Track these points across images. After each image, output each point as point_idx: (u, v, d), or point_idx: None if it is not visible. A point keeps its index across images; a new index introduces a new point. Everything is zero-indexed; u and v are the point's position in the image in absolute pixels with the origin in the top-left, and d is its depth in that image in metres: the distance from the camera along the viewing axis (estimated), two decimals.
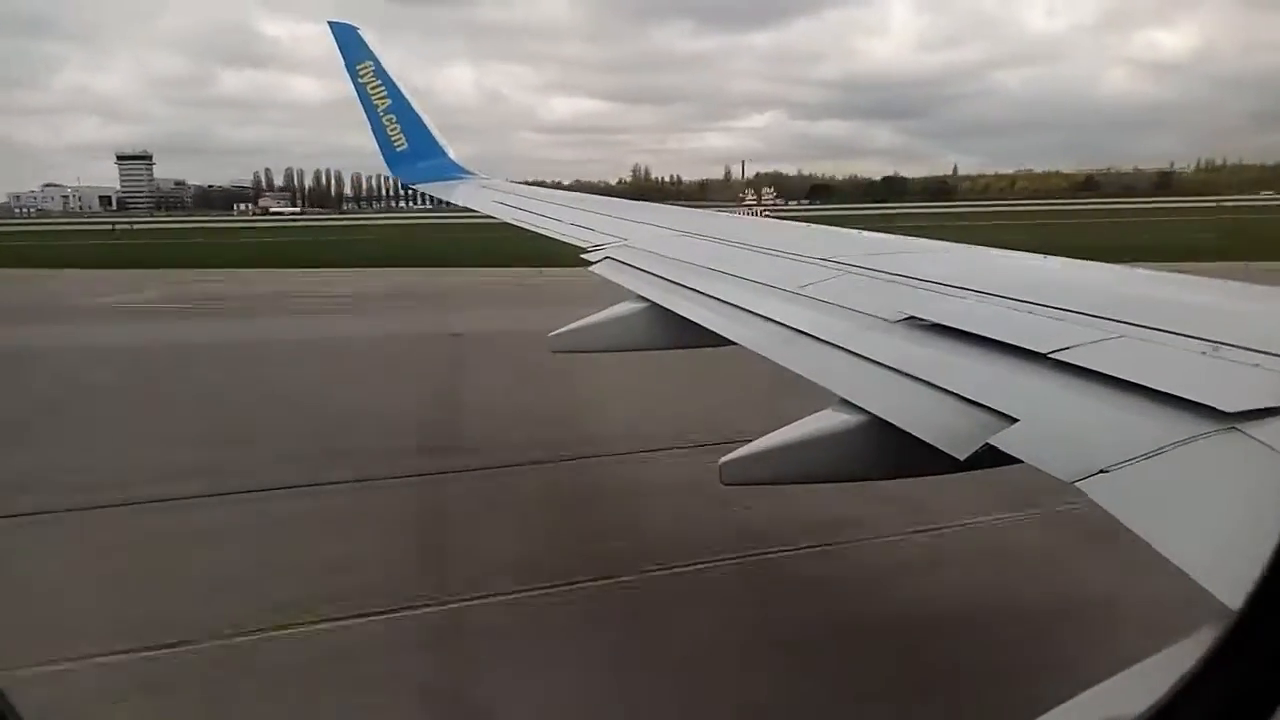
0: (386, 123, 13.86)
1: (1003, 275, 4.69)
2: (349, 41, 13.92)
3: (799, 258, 5.74)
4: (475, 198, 12.75)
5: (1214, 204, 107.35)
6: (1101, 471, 2.29)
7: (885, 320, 3.98)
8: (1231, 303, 3.81)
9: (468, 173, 14.43)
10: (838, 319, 4.24)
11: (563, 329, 6.27)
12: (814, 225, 8.20)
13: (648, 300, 5.86)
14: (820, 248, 5.96)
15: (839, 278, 5.01)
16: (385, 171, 14.91)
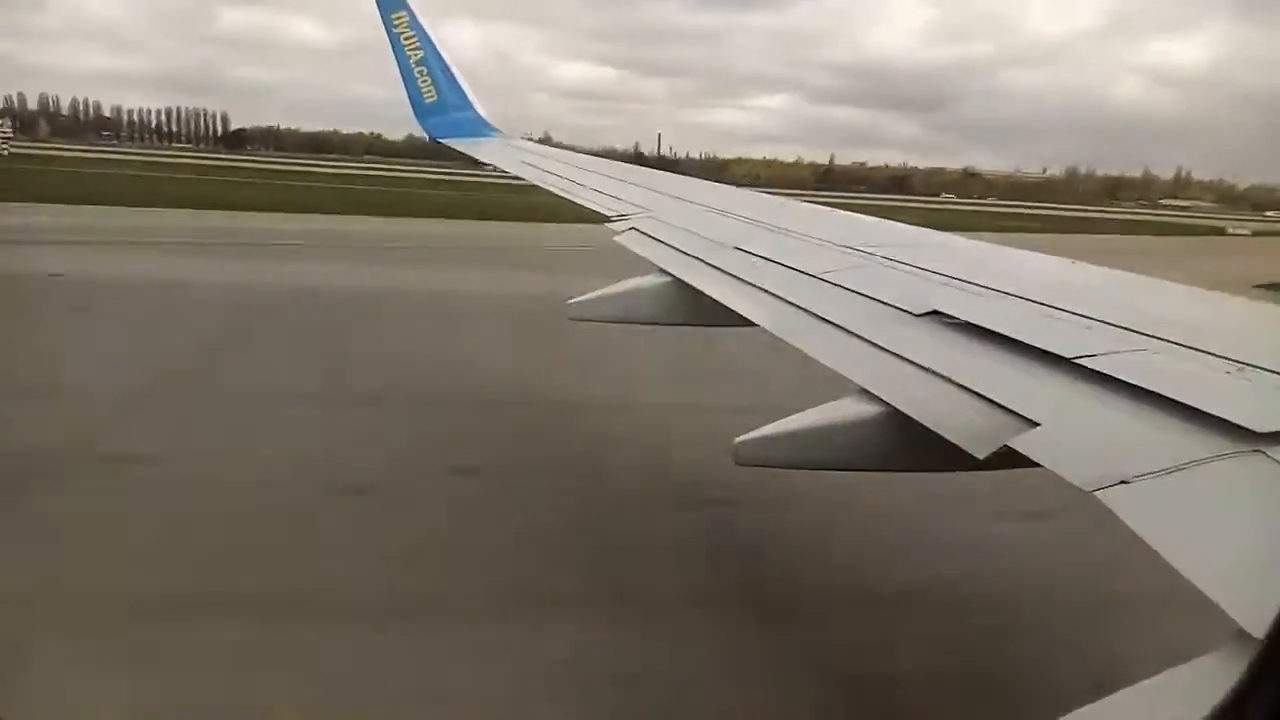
0: (418, 74, 13.73)
1: (1032, 277, 4.67)
2: None
3: (827, 243, 5.72)
4: (501, 156, 12.69)
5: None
6: (1122, 483, 2.29)
7: (910, 313, 3.97)
8: (1260, 325, 3.80)
9: (495, 131, 14.32)
10: (862, 308, 4.23)
11: (582, 297, 6.24)
12: (844, 211, 8.15)
13: (670, 274, 5.84)
14: (849, 235, 5.93)
15: (866, 267, 5.00)
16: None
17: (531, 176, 10.83)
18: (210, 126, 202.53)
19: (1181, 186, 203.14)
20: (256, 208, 42.74)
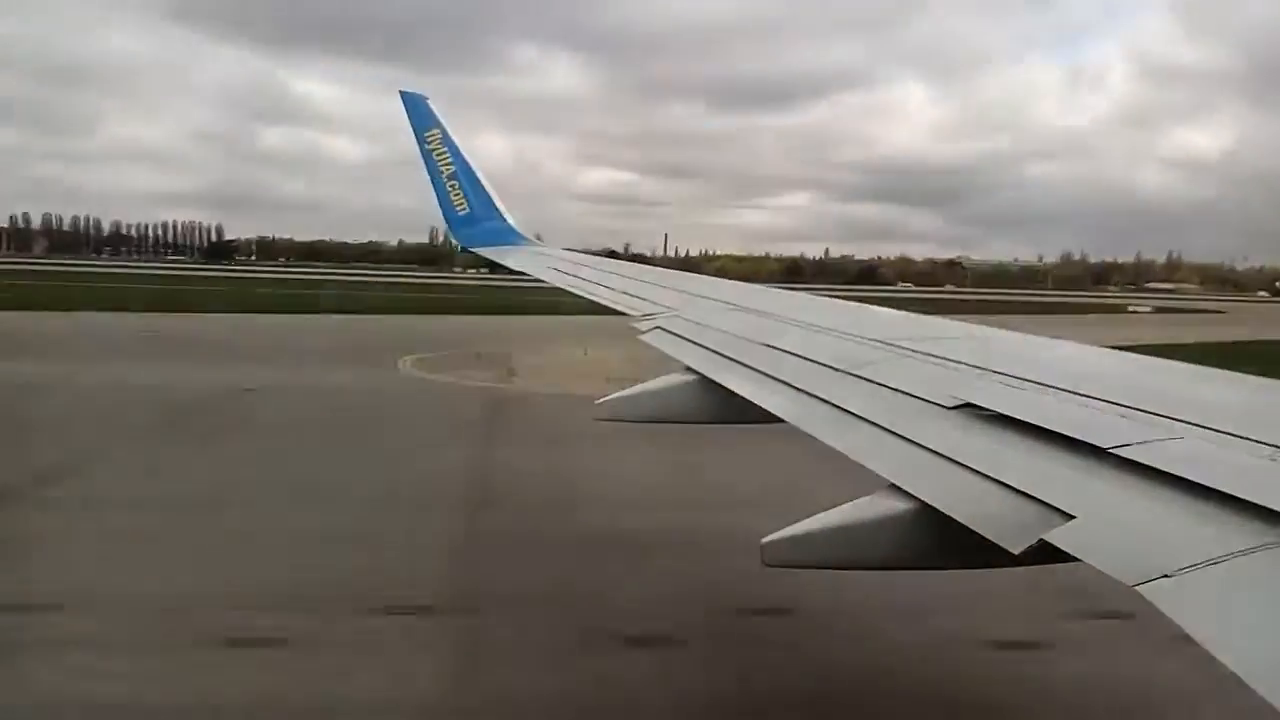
0: (450, 188, 14.24)
1: (1063, 366, 4.60)
2: (418, 110, 14.43)
3: (853, 337, 5.70)
4: (530, 263, 12.98)
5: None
6: (1164, 576, 2.20)
7: (940, 406, 3.91)
8: None
9: (524, 239, 14.70)
10: (890, 402, 4.18)
11: (609, 397, 6.24)
12: (868, 305, 8.16)
13: (697, 373, 5.84)
14: (874, 328, 5.92)
15: (893, 360, 4.96)
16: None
17: (558, 281, 11.03)
18: (204, 237, 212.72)
19: (1172, 269, 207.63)
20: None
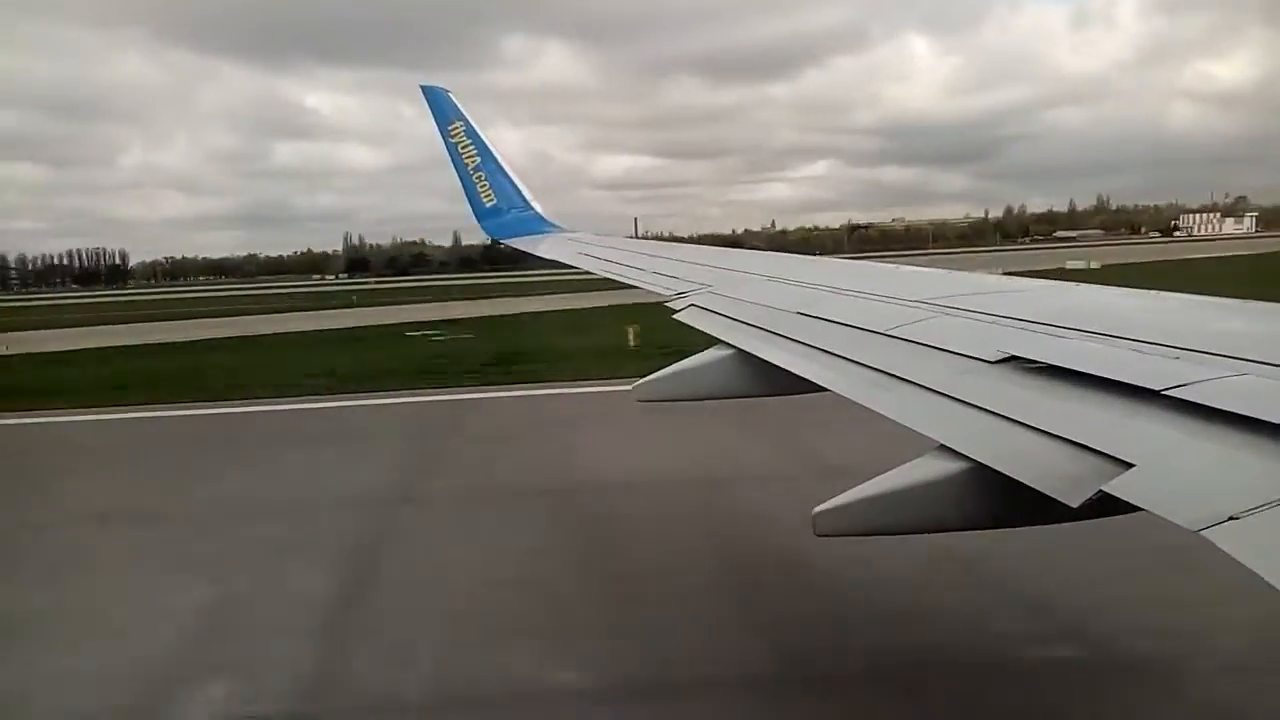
0: (476, 180, 14.25)
1: (1108, 313, 4.47)
2: (440, 103, 14.42)
3: (891, 300, 5.60)
4: (559, 250, 12.94)
5: None
6: (1231, 519, 2.11)
7: (985, 361, 3.81)
8: None
9: (553, 226, 14.67)
10: (933, 362, 4.08)
11: (647, 378, 6.20)
12: (906, 267, 8.02)
13: (734, 347, 5.77)
14: (913, 289, 5.80)
15: (934, 319, 4.85)
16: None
17: (589, 266, 10.98)
18: (107, 263, 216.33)
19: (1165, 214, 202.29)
20: None
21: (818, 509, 3.37)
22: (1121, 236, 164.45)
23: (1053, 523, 2.86)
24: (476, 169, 14.25)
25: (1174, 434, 2.66)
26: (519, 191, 14.60)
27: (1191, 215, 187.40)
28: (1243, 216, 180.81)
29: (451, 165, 14.36)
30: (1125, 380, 3.04)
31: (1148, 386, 2.92)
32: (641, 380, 6.11)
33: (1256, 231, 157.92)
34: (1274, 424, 2.41)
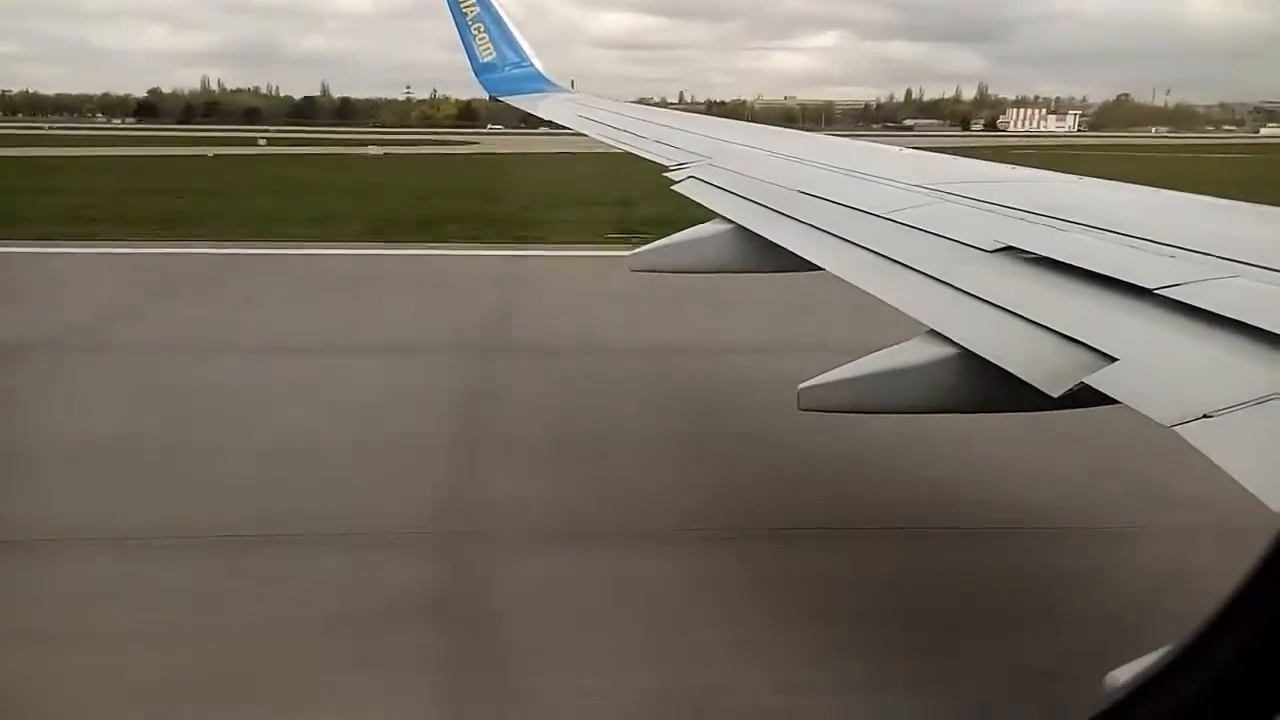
0: (475, 32, 13.70)
1: (1110, 208, 4.46)
2: None
3: (893, 183, 5.55)
4: (559, 110, 12.61)
5: None
6: (1205, 416, 2.19)
7: (981, 250, 3.83)
8: None
9: (554, 85, 14.23)
10: (930, 247, 4.10)
11: (643, 249, 6.20)
12: (910, 150, 7.89)
13: (732, 221, 5.75)
14: (916, 173, 5.75)
15: (934, 204, 4.83)
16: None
17: (589, 130, 10.75)
18: None
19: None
20: None
21: (803, 385, 3.46)
22: (949, 129, 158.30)
23: (1033, 410, 2.95)
24: (475, 19, 13.68)
25: (1161, 331, 2.71)
26: (519, 47, 14.07)
27: (1015, 110, 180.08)
28: (1065, 115, 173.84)
29: (449, 13, 13.80)
30: (1118, 277, 3.08)
31: (1141, 284, 2.95)
32: (638, 250, 6.11)
33: (1078, 131, 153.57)
34: (1253, 327, 2.46)
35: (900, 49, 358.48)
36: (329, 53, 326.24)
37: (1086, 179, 5.54)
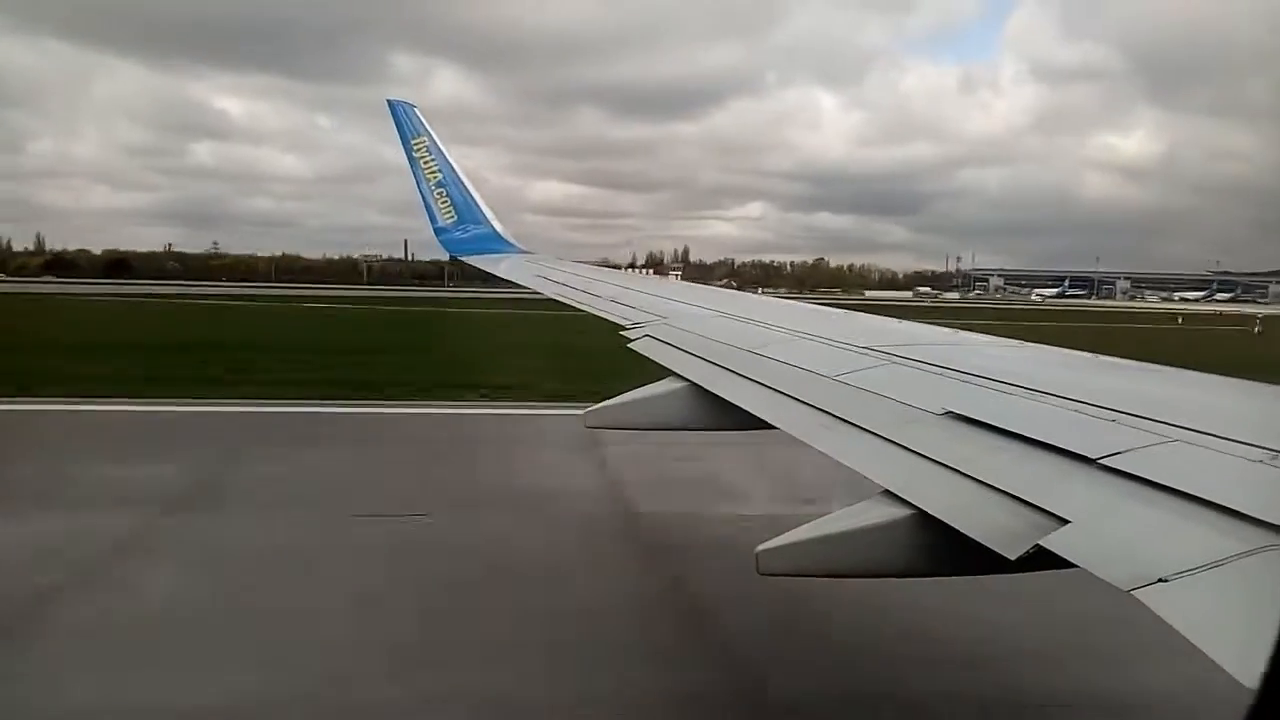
0: (437, 196, 14.21)
1: (1050, 372, 4.63)
2: (406, 118, 14.41)
3: (842, 345, 5.72)
4: (518, 271, 12.94)
5: None
6: (1160, 580, 2.22)
7: (930, 413, 3.92)
8: None
9: (513, 246, 14.65)
10: (879, 408, 4.19)
11: (599, 405, 6.22)
12: (857, 313, 8.19)
13: (687, 380, 5.83)
14: (862, 335, 5.94)
15: (882, 366, 4.98)
16: None
17: (547, 290, 10.99)
18: None
19: None
20: None
21: (761, 547, 3.41)
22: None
23: (991, 574, 2.94)
24: (438, 185, 14.22)
25: (1110, 497, 2.77)
26: (480, 209, 14.58)
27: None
28: (678, 270, 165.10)
29: (413, 179, 14.33)
30: (1062, 445, 3.16)
31: (1084, 454, 3.04)
32: (594, 407, 6.13)
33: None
34: (1198, 496, 2.54)
35: (826, 220, 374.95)
36: (277, 214, 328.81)
37: (1021, 343, 5.77)
